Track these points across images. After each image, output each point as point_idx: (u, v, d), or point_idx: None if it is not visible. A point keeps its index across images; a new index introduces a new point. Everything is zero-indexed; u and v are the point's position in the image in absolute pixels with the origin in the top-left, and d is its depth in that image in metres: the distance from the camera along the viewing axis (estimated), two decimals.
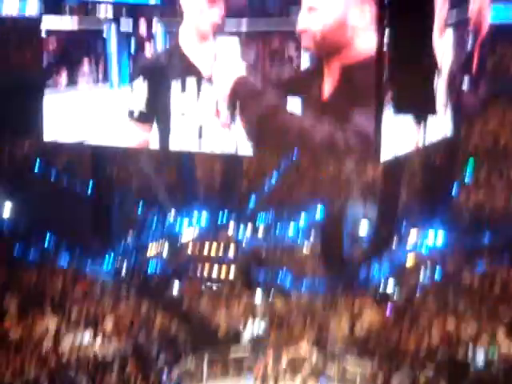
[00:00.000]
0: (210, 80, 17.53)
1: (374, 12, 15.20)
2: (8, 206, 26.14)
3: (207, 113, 17.74)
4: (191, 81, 17.75)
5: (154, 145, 18.66)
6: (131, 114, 18.39)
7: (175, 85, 17.85)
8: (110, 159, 25.65)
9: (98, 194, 24.87)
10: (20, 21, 30.89)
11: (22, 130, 27.67)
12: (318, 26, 16.31)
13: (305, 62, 16.98)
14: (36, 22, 20.92)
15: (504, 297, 19.91)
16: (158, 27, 18.47)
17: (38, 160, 28.92)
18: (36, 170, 28.96)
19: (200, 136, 18.06)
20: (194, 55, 17.66)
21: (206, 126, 17.84)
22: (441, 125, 19.22)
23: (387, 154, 16.89)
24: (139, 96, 18.13)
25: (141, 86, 18.13)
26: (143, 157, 26.51)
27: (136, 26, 18.85)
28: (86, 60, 19.66)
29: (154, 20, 18.46)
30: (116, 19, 19.04)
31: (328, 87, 16.58)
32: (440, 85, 17.72)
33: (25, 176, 28.14)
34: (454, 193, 25.45)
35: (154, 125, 18.36)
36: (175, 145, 18.35)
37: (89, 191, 26.21)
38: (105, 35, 19.24)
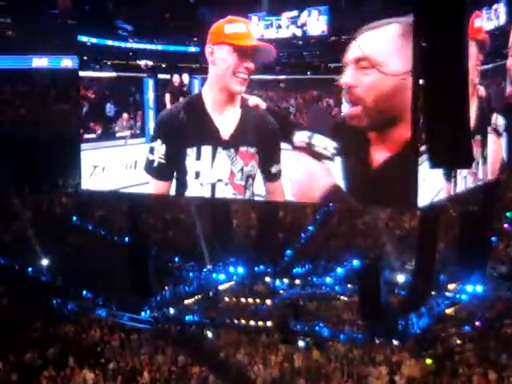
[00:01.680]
0: (226, 143, 17.22)
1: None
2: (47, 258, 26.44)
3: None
4: (208, 142, 17.57)
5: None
6: (149, 168, 18.38)
7: (192, 144, 17.74)
8: (147, 210, 25.88)
9: (135, 245, 24.91)
10: (58, 73, 31.61)
11: (60, 182, 28.23)
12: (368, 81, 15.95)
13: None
14: (74, 74, 21.28)
15: None
16: (193, 76, 18.40)
17: (75, 212, 29.38)
18: (74, 222, 29.34)
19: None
20: (216, 117, 17.38)
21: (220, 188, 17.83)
22: (478, 172, 19.13)
23: (424, 200, 16.81)
24: (158, 152, 17.94)
25: (159, 141, 18.03)
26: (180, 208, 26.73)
27: (173, 73, 18.85)
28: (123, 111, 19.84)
29: (191, 68, 18.40)
30: (155, 67, 19.06)
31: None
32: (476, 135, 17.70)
33: (63, 228, 28.51)
34: (493, 240, 25.25)
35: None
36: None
37: (126, 242, 26.44)
38: (143, 84, 19.40)
